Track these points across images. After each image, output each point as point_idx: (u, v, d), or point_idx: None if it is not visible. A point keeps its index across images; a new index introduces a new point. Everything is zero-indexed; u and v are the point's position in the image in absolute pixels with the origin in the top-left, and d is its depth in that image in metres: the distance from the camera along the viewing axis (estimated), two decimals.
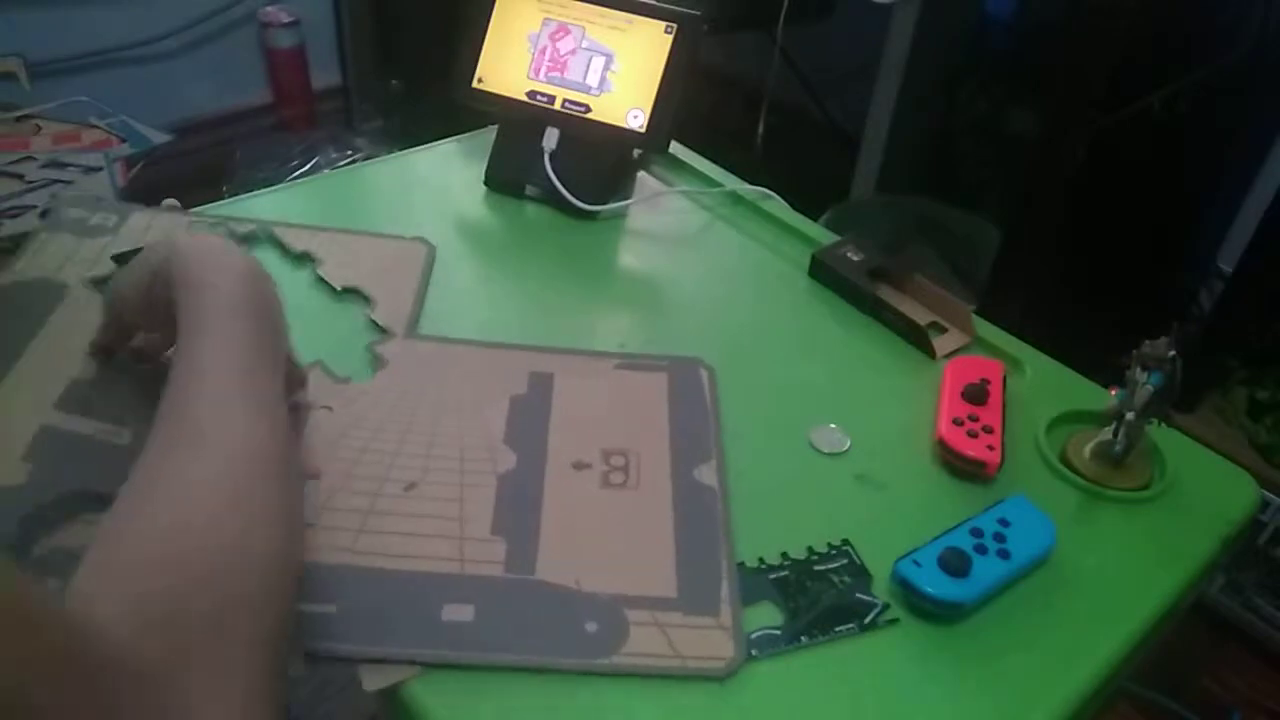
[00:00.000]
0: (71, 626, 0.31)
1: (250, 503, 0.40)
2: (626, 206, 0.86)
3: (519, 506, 0.56)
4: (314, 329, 0.68)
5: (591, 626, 0.49)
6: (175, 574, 0.36)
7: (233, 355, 0.45)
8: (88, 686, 0.29)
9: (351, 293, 0.71)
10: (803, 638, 0.50)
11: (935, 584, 0.51)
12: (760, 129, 1.58)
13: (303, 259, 0.75)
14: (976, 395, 0.63)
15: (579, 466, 0.59)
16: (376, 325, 0.68)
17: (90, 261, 0.70)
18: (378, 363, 0.65)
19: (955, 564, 0.51)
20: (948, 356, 0.70)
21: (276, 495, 0.41)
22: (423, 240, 0.78)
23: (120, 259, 0.70)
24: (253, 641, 0.37)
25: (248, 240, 0.76)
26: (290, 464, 0.44)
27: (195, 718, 0.33)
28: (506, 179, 0.86)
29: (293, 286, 0.72)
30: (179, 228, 0.75)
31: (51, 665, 0.28)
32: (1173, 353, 0.58)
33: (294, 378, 0.58)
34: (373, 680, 0.46)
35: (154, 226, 0.74)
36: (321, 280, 0.72)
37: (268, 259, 0.74)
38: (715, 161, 0.93)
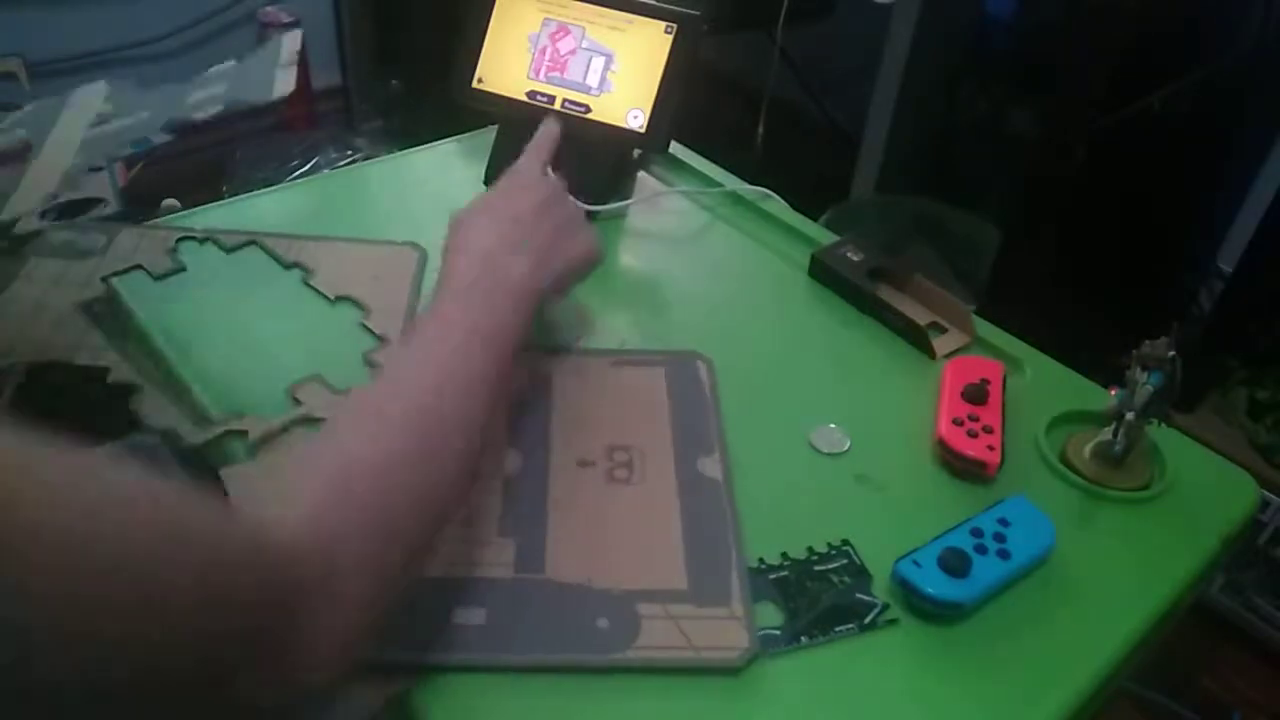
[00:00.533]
0: (250, 535, 0.36)
1: (421, 461, 0.45)
2: (626, 206, 0.86)
3: (526, 507, 0.56)
4: (309, 339, 0.68)
5: (604, 623, 0.49)
6: (348, 502, 0.41)
7: (448, 335, 0.51)
8: (256, 581, 0.35)
9: (345, 301, 0.71)
10: (803, 638, 0.50)
11: (935, 584, 0.51)
12: (760, 129, 1.58)
13: (294, 269, 0.74)
14: (976, 395, 0.63)
15: (583, 464, 0.59)
16: (371, 333, 0.68)
17: (81, 285, 0.69)
18: (376, 371, 0.65)
19: (955, 564, 0.51)
20: (948, 356, 0.70)
21: (451, 461, 0.47)
22: (414, 245, 0.78)
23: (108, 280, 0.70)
24: (386, 579, 0.41)
25: (237, 250, 0.76)
26: (472, 432, 0.49)
27: (322, 624, 0.38)
28: None
29: (285, 297, 0.72)
30: (160, 247, 0.75)
31: (233, 566, 0.34)
32: (1173, 353, 0.58)
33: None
34: (367, 694, 0.46)
35: (142, 246, 0.74)
36: (314, 290, 0.72)
37: (259, 270, 0.74)
38: (715, 161, 0.93)
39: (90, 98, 0.75)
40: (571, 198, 0.66)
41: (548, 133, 0.71)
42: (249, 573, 0.35)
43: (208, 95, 0.68)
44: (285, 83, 0.66)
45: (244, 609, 0.35)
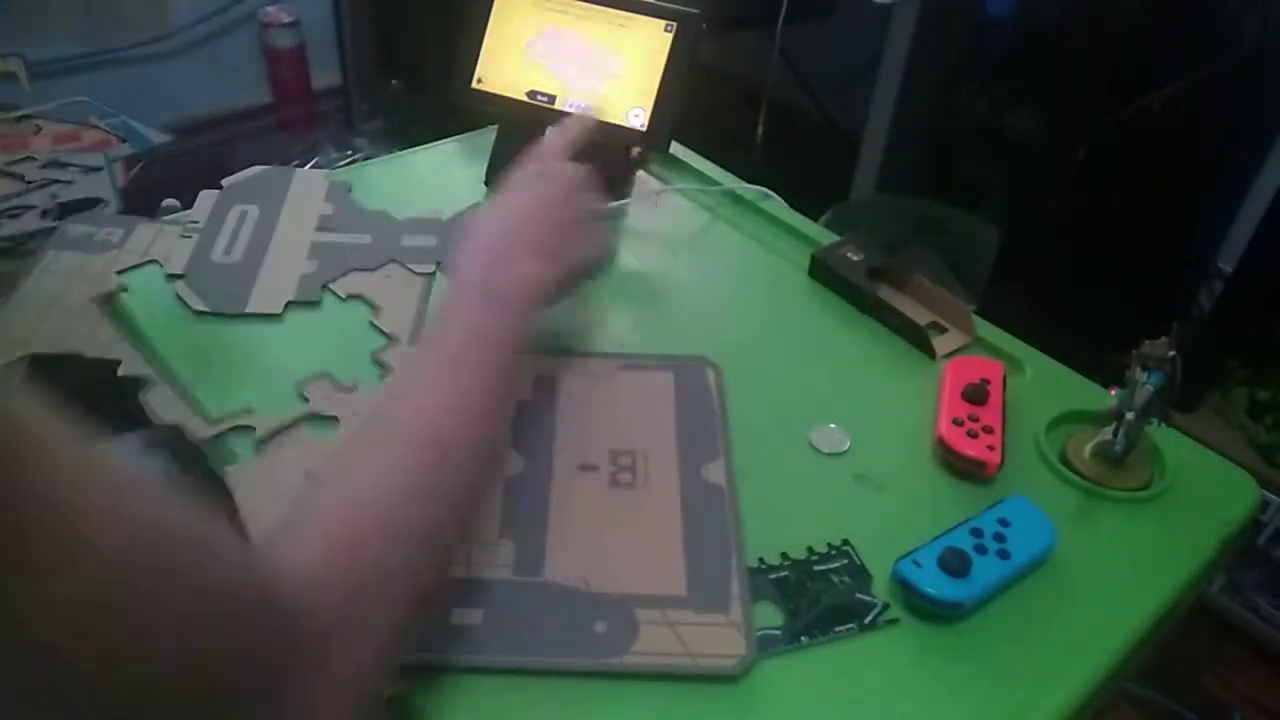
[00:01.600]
0: (265, 578, 0.36)
1: (431, 497, 0.44)
2: (626, 206, 0.86)
3: (527, 509, 0.56)
4: (320, 336, 0.68)
5: (601, 627, 0.49)
6: (355, 564, 0.40)
7: (453, 350, 0.51)
8: (271, 628, 0.35)
9: (356, 299, 0.72)
10: (803, 638, 0.50)
11: (935, 584, 0.51)
12: (760, 129, 1.58)
13: None
14: (976, 395, 0.63)
15: (586, 468, 0.59)
16: (381, 331, 0.68)
17: (96, 278, 0.70)
18: (383, 370, 0.65)
19: (955, 564, 0.51)
20: (948, 356, 0.70)
21: (460, 492, 0.47)
22: None
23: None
24: (391, 634, 0.41)
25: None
26: (479, 452, 0.48)
27: (337, 665, 0.37)
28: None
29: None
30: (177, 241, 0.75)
31: (245, 612, 0.34)
32: (1173, 353, 0.58)
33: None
34: None
35: (159, 240, 0.75)
36: (326, 287, 0.72)
37: None
38: (715, 161, 0.93)
39: (312, 188, 0.82)
40: (588, 189, 0.65)
41: (577, 120, 0.70)
42: (260, 620, 0.35)
43: (421, 245, 0.76)
44: None
45: (250, 653, 0.35)
